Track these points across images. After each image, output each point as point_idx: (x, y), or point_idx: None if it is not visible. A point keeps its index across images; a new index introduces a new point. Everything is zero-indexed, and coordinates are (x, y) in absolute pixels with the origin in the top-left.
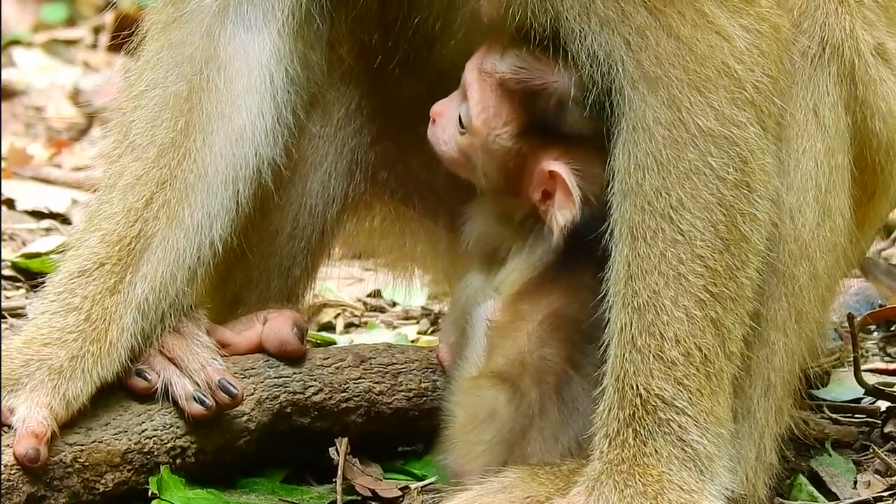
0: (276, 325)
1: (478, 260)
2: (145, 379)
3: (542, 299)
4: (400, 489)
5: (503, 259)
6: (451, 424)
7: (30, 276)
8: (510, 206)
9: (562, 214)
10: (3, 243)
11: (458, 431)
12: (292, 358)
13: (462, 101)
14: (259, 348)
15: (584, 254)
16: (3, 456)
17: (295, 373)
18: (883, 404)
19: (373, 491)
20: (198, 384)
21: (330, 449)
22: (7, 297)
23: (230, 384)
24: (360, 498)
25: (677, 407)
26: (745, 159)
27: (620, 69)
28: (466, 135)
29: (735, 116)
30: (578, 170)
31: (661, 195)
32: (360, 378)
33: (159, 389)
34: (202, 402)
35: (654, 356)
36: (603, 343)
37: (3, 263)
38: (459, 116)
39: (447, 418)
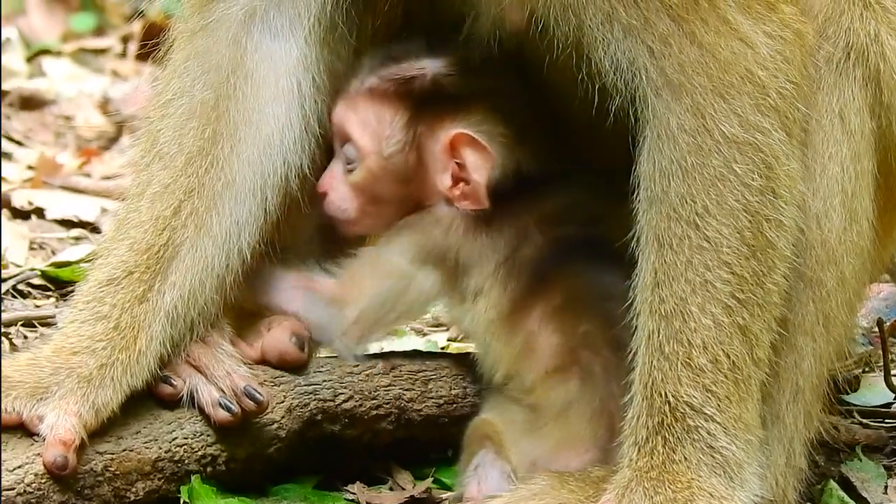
0: (274, 337)
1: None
2: (171, 385)
3: (535, 307)
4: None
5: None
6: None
7: (59, 284)
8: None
9: (479, 174)
10: (32, 252)
11: (541, 428)
12: (294, 367)
13: (342, 149)
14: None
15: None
16: (33, 465)
17: (325, 380)
18: None
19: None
20: (223, 391)
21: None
22: (37, 306)
23: (256, 391)
24: None
25: (706, 414)
26: (769, 165)
27: (644, 77)
28: (358, 168)
29: (759, 123)
30: (481, 129)
31: (686, 202)
32: (390, 385)
33: (185, 396)
34: (228, 409)
35: (682, 363)
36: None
37: (32, 272)
38: (347, 161)
39: (511, 416)
